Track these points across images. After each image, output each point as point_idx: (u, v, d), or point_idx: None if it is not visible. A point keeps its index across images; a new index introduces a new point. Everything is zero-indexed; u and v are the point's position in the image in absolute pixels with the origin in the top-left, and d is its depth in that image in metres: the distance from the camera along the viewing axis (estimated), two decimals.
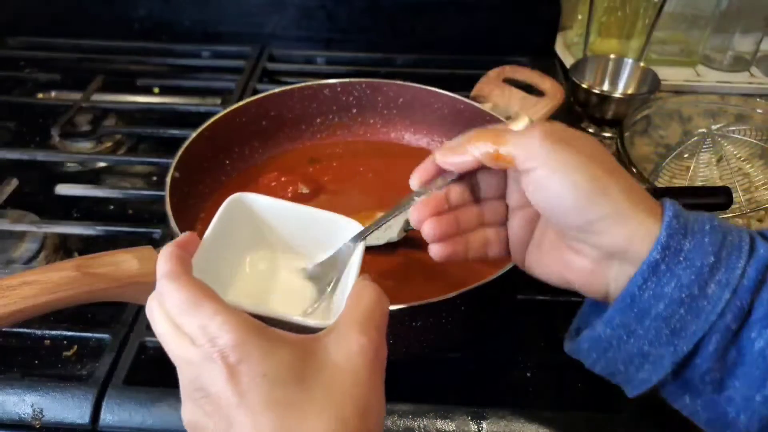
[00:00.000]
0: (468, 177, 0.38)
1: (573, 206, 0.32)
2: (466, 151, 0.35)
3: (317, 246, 0.39)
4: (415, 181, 0.38)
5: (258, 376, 0.28)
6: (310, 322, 0.33)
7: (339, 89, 0.71)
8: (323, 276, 0.39)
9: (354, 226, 0.38)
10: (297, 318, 0.33)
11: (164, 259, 0.33)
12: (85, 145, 0.79)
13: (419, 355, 0.50)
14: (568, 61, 0.93)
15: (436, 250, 0.38)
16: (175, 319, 0.31)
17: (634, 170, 0.58)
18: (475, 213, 0.39)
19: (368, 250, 0.56)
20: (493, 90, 0.70)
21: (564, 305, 0.59)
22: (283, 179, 0.65)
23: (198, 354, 0.29)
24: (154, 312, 0.32)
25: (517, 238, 0.39)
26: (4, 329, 0.44)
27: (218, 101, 0.87)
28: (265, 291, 0.39)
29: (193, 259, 0.34)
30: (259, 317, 0.30)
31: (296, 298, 0.39)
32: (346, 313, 0.32)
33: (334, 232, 0.38)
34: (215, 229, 0.37)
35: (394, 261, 0.56)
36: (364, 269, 0.55)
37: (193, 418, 0.31)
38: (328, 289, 0.39)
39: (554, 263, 0.36)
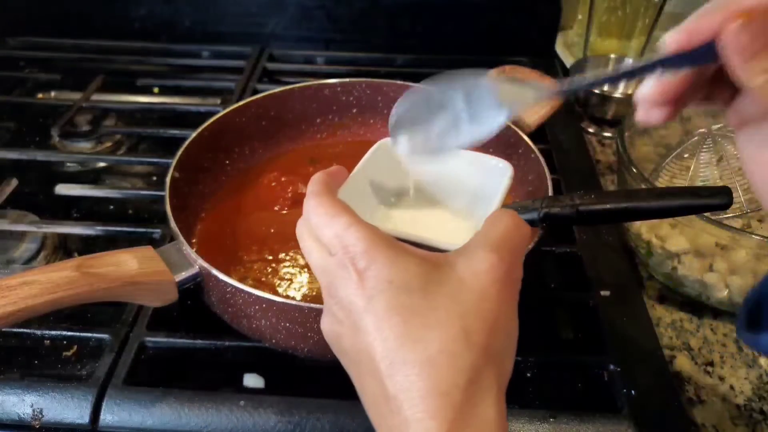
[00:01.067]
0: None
1: None
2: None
3: (462, 186, 0.39)
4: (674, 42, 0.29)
5: (384, 282, 0.29)
6: (441, 240, 0.34)
7: (339, 89, 0.71)
8: (465, 215, 0.40)
9: (503, 165, 0.39)
10: (426, 236, 0.34)
11: (313, 181, 0.36)
12: (85, 145, 0.79)
13: None
14: (569, 61, 0.94)
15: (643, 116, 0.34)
16: (316, 232, 0.33)
17: (634, 170, 0.58)
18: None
19: None
20: None
21: (564, 305, 0.59)
22: (283, 179, 0.65)
23: (333, 262, 0.32)
24: (301, 227, 0.35)
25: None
26: (4, 329, 0.44)
27: (218, 101, 0.87)
28: (404, 223, 0.40)
29: (339, 190, 0.37)
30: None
31: (438, 228, 0.40)
32: (479, 235, 0.33)
33: (481, 171, 0.39)
34: (362, 168, 0.39)
35: None
36: None
37: (329, 326, 0.33)
38: (471, 225, 0.39)
39: None
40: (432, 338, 0.28)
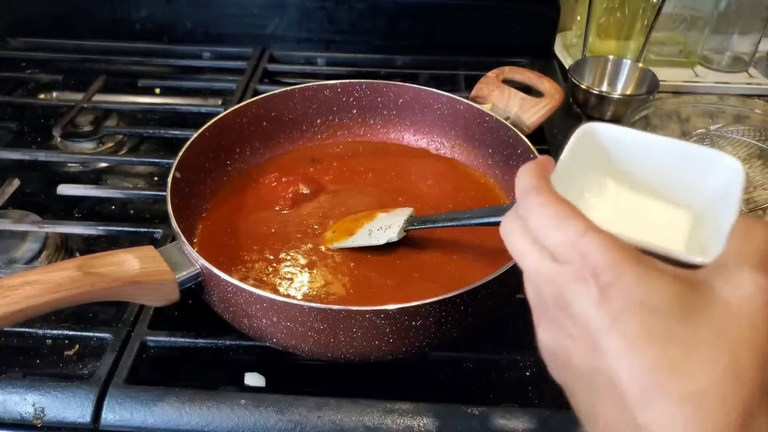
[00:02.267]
0: None
1: None
2: None
3: (678, 182, 0.34)
4: None
5: (634, 302, 0.26)
6: (696, 258, 0.29)
7: (339, 90, 0.71)
8: (683, 216, 0.34)
9: (733, 162, 0.32)
10: (677, 251, 0.29)
11: (527, 173, 0.31)
12: (87, 146, 0.80)
13: (419, 355, 0.50)
14: (568, 61, 0.94)
15: None
16: (538, 234, 0.30)
17: None
18: None
19: (368, 249, 0.57)
20: (493, 91, 0.70)
21: None
22: (284, 179, 0.65)
23: (565, 272, 0.28)
24: (515, 226, 0.31)
25: None
26: (5, 329, 0.44)
27: (219, 102, 0.88)
28: (622, 221, 0.35)
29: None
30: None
31: (658, 233, 0.34)
32: (734, 250, 0.27)
33: (703, 168, 0.33)
34: (568, 155, 0.34)
35: (394, 261, 0.57)
36: (363, 268, 0.56)
37: (554, 340, 0.29)
38: (693, 227, 0.34)
39: None
40: (697, 371, 0.24)
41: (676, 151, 0.34)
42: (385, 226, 0.57)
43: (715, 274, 0.27)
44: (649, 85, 0.84)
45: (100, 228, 0.63)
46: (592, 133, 0.35)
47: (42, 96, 0.90)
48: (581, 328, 0.27)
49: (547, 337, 0.30)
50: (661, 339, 0.25)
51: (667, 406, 0.24)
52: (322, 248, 0.58)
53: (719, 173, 0.32)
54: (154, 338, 0.52)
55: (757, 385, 0.24)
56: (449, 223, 0.53)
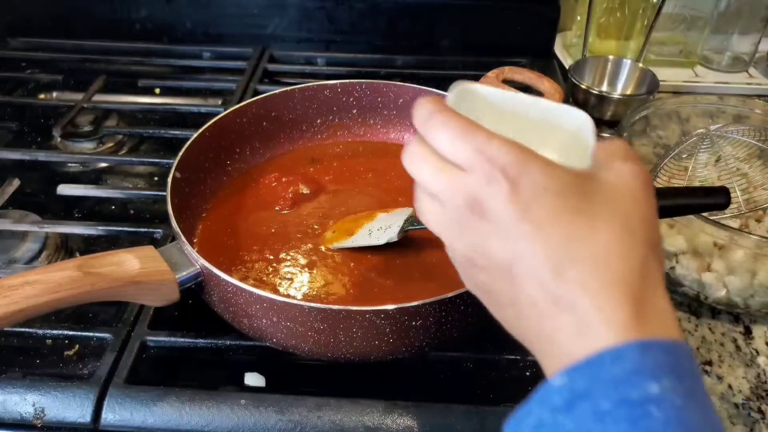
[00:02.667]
0: None
1: None
2: None
3: (542, 130, 0.38)
4: None
5: (540, 189, 0.29)
6: (573, 161, 0.33)
7: (339, 90, 0.71)
8: (556, 155, 0.38)
9: (578, 112, 0.38)
10: (562, 160, 0.33)
11: (427, 102, 0.34)
12: (87, 146, 0.80)
13: (419, 355, 0.50)
14: (567, 62, 0.94)
15: None
16: (446, 150, 0.32)
17: None
18: None
19: (368, 249, 0.57)
20: None
21: None
22: (284, 179, 0.65)
23: (476, 177, 0.31)
24: (419, 151, 0.33)
25: None
26: (5, 329, 0.44)
27: (219, 102, 0.88)
28: None
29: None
30: None
31: None
32: (601, 155, 0.33)
33: (558, 119, 0.38)
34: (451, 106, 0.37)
35: (394, 261, 0.57)
36: (363, 268, 0.56)
37: (469, 246, 0.32)
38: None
39: None
40: (600, 236, 0.29)
41: (537, 106, 0.39)
42: (385, 226, 0.57)
43: (597, 169, 0.32)
44: (649, 85, 0.84)
45: (100, 228, 0.63)
46: (466, 91, 0.38)
47: (42, 96, 0.90)
48: (496, 224, 0.30)
49: (462, 245, 0.33)
50: (567, 217, 0.29)
51: (581, 268, 0.28)
52: (322, 248, 0.58)
53: (572, 121, 0.37)
54: (154, 338, 0.52)
55: (648, 241, 0.30)
56: None
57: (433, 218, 0.34)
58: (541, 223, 0.29)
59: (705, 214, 0.54)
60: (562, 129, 0.38)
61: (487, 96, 0.38)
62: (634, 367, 0.26)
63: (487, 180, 0.30)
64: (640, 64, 0.86)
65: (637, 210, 0.30)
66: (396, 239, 0.56)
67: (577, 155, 0.35)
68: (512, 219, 0.30)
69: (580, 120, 0.37)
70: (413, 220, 0.57)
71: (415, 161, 0.34)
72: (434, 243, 0.58)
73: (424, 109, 0.34)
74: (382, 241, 0.56)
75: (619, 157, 0.32)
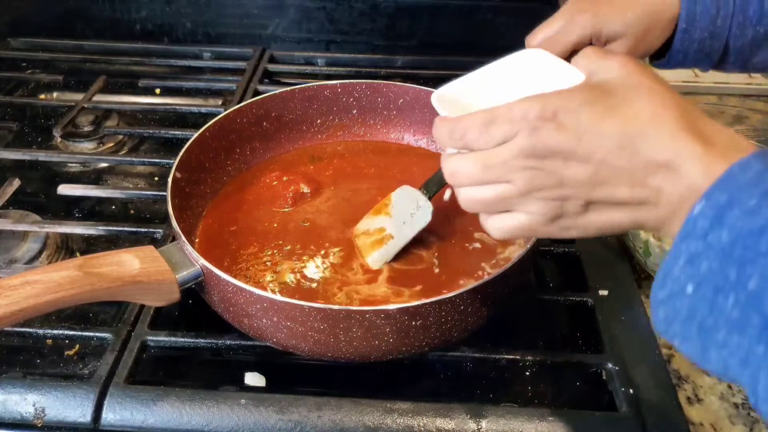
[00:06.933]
0: None
1: None
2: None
3: (518, 85, 0.42)
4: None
5: (574, 108, 0.34)
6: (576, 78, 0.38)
7: (339, 90, 0.71)
8: None
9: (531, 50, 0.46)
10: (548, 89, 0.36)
11: (437, 127, 0.39)
12: (87, 146, 0.80)
13: (419, 354, 0.50)
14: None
15: None
16: (483, 142, 0.36)
17: None
18: None
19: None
20: None
21: (563, 304, 0.59)
22: (284, 179, 0.65)
23: (521, 137, 0.34)
24: (456, 165, 0.38)
25: None
26: (6, 328, 0.44)
27: (219, 102, 0.88)
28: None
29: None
30: None
31: None
32: (591, 66, 0.37)
33: (524, 71, 0.44)
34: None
35: (395, 261, 0.57)
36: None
37: (545, 195, 0.35)
38: None
39: None
40: (643, 110, 0.33)
41: (501, 66, 0.44)
42: (408, 213, 0.57)
43: (592, 76, 0.37)
44: None
45: (100, 228, 0.63)
46: (444, 97, 0.43)
47: (42, 96, 0.91)
48: (562, 154, 0.34)
49: (542, 203, 0.36)
50: (608, 111, 0.33)
51: (648, 138, 0.32)
52: (323, 251, 0.58)
53: (533, 60, 0.43)
54: (155, 338, 0.52)
55: (671, 96, 0.34)
56: None
57: (511, 205, 0.37)
58: (595, 128, 0.33)
59: None
60: (534, 70, 0.42)
61: (462, 88, 0.43)
62: (761, 168, 0.29)
63: (531, 131, 0.34)
64: None
65: (661, 94, 0.34)
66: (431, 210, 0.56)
67: (563, 79, 0.38)
68: (573, 141, 0.33)
69: (537, 55, 0.43)
70: (425, 187, 0.57)
71: (459, 171, 0.38)
72: (438, 239, 0.59)
73: (442, 131, 0.39)
74: (424, 223, 0.56)
75: (616, 61, 0.36)
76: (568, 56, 0.45)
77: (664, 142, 0.32)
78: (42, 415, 0.47)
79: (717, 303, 0.28)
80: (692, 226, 0.30)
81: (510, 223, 0.38)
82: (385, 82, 0.72)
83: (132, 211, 0.71)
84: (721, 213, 0.29)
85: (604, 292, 0.57)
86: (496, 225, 0.38)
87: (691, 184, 0.31)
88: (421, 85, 0.71)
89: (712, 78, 0.94)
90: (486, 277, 0.47)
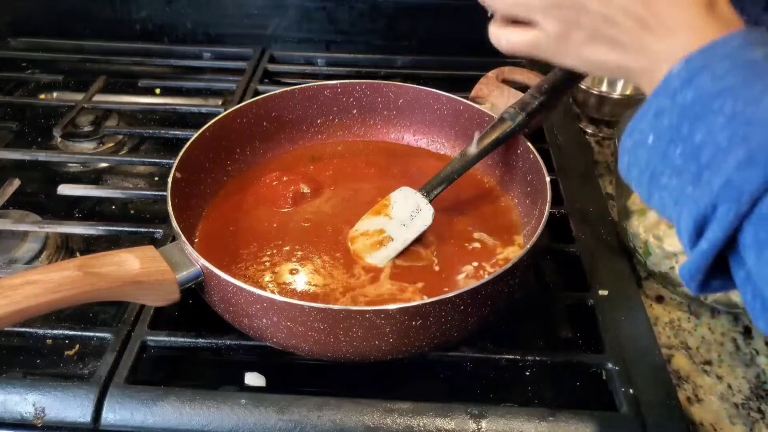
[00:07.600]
0: None
1: None
2: None
3: None
4: None
5: None
6: None
7: (339, 90, 0.71)
8: None
9: None
10: None
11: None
12: (87, 146, 0.80)
13: (419, 354, 0.50)
14: None
15: None
16: (511, 7, 0.41)
17: None
18: None
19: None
20: (492, 91, 0.70)
21: (563, 304, 0.59)
22: (284, 179, 0.65)
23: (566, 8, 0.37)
24: (498, 25, 0.45)
25: None
26: (6, 328, 0.44)
27: (219, 102, 0.88)
28: None
29: None
30: None
31: None
32: None
33: None
34: None
35: (394, 261, 0.57)
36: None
37: (560, 17, 0.38)
38: None
39: None
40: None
41: None
42: (407, 215, 0.57)
43: None
44: None
45: (100, 228, 0.63)
46: None
47: (42, 96, 0.91)
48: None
49: (557, 16, 0.38)
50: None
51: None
52: (324, 254, 0.58)
53: None
54: (155, 338, 0.52)
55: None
56: (459, 169, 0.58)
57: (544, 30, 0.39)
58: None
59: None
60: None
61: None
62: (740, 43, 0.31)
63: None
64: None
65: None
66: (432, 211, 0.56)
67: None
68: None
69: None
70: (425, 189, 0.58)
71: (496, 28, 0.44)
72: (437, 239, 0.59)
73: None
74: (426, 224, 0.56)
75: None
76: None
77: (677, 3, 0.34)
78: (42, 415, 0.47)
79: (668, 153, 0.32)
80: (666, 84, 0.33)
81: (519, 37, 0.41)
82: (385, 82, 0.72)
83: (132, 211, 0.71)
84: (692, 76, 0.31)
85: (604, 292, 0.57)
86: (506, 36, 0.43)
87: (683, 47, 0.33)
88: (421, 85, 0.71)
89: None
90: (486, 277, 0.47)
